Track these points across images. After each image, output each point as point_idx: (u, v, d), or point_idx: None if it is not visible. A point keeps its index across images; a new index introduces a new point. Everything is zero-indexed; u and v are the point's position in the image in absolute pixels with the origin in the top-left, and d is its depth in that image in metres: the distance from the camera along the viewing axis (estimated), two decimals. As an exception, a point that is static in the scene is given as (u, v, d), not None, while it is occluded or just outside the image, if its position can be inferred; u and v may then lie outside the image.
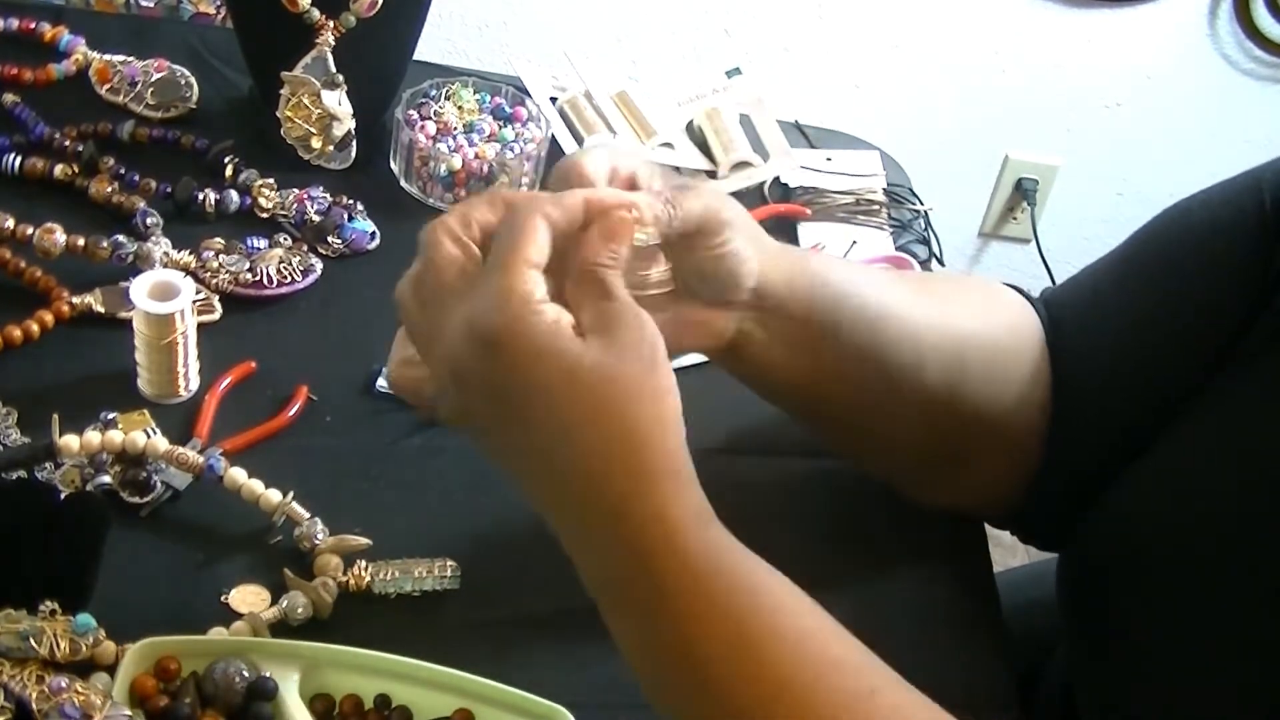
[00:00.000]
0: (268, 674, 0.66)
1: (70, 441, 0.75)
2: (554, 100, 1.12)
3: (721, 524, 0.57)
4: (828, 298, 0.69)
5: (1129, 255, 0.77)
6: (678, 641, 0.55)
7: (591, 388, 0.54)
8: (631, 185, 0.64)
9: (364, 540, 0.75)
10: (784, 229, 1.08)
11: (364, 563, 0.74)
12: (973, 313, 0.76)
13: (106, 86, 1.06)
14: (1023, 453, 0.76)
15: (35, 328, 0.85)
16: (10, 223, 0.90)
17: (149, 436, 0.77)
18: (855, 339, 0.70)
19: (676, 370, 0.58)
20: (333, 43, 1.00)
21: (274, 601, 0.72)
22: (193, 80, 1.07)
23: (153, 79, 1.06)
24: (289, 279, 0.92)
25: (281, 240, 0.95)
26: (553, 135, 1.08)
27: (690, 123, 1.13)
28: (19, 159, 0.97)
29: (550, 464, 0.56)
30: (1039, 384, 0.76)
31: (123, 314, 0.87)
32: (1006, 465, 0.77)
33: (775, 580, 0.56)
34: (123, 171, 0.99)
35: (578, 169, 0.62)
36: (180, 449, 0.77)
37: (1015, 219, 2.22)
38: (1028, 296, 0.80)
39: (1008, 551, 1.52)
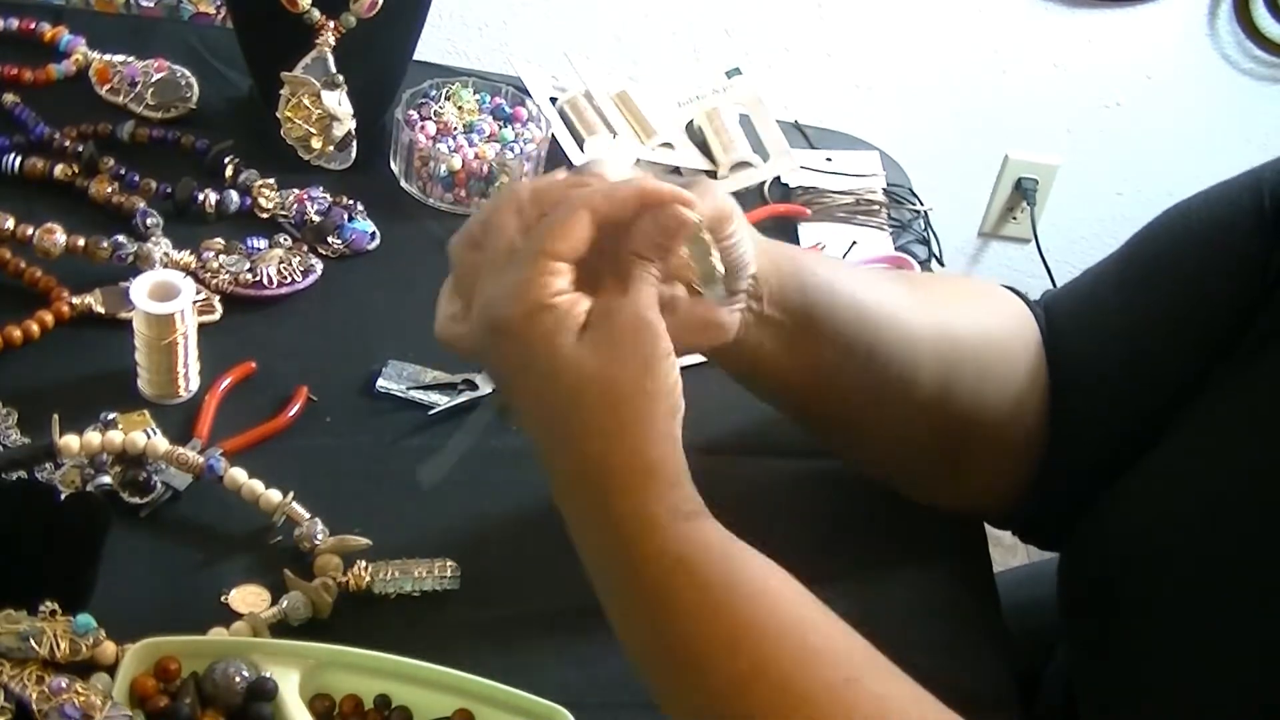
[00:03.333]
0: (268, 674, 0.66)
1: (70, 441, 0.75)
2: (554, 100, 1.12)
3: (712, 518, 0.58)
4: (821, 297, 0.69)
5: (1129, 255, 0.77)
6: (656, 629, 0.57)
7: (578, 387, 0.57)
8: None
9: (364, 540, 0.75)
10: (784, 229, 1.08)
11: (364, 563, 0.74)
12: (969, 314, 0.76)
13: (106, 86, 1.06)
14: (1020, 454, 0.76)
15: (35, 328, 0.85)
16: (10, 223, 0.90)
17: (149, 437, 0.77)
18: (849, 338, 0.70)
19: (677, 371, 0.58)
20: (333, 43, 1.00)
21: (274, 601, 0.72)
22: (193, 80, 1.07)
23: (153, 79, 1.06)
24: (289, 279, 0.92)
25: (281, 240, 0.95)
26: (553, 135, 1.08)
27: (690, 123, 1.13)
28: (19, 159, 0.97)
29: (550, 447, 0.59)
30: (1036, 386, 0.76)
31: (123, 314, 0.87)
32: (1004, 467, 0.77)
33: (760, 572, 0.57)
34: (123, 171, 0.99)
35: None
36: (180, 449, 0.77)
37: (1015, 219, 2.21)
38: (1026, 299, 0.80)
39: (1008, 551, 1.52)
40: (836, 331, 0.70)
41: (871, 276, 0.76)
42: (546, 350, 0.56)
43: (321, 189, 1.00)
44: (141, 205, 0.95)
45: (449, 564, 0.75)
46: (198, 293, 0.89)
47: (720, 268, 0.63)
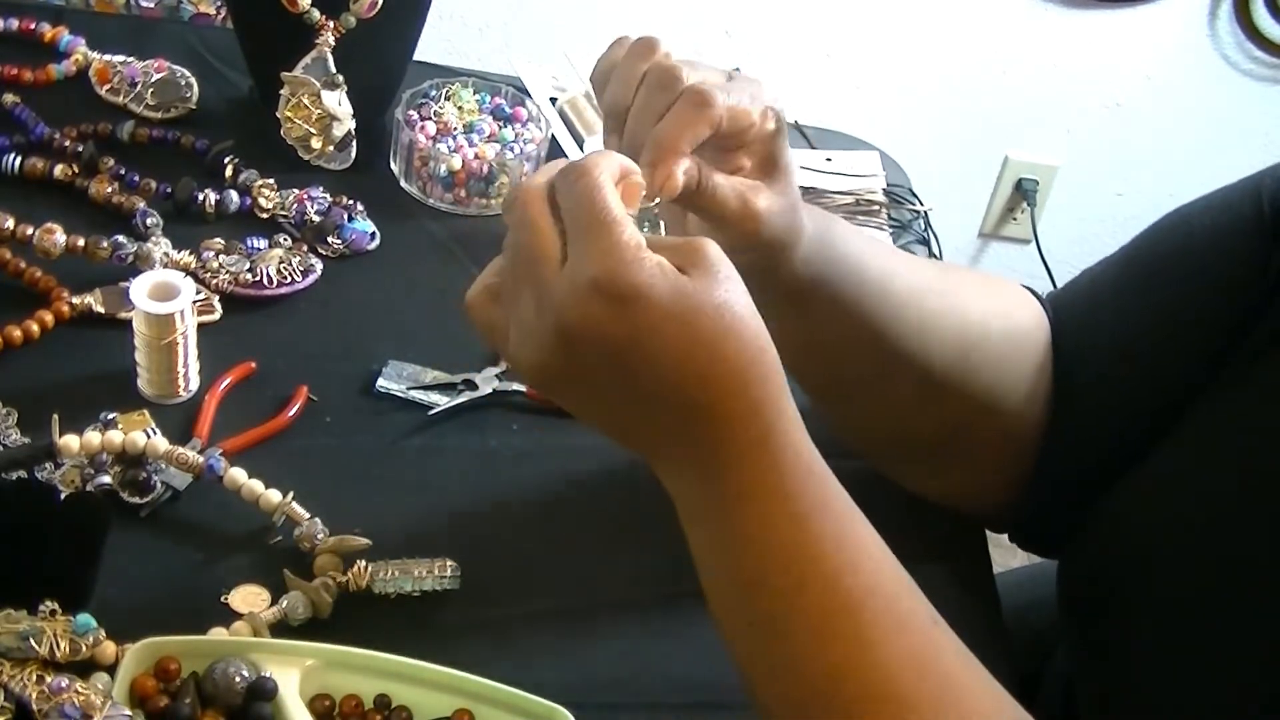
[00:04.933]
0: (268, 674, 0.66)
1: (70, 441, 0.75)
2: (554, 100, 1.12)
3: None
4: (849, 265, 0.70)
5: (1129, 259, 0.77)
6: (773, 546, 0.56)
7: (711, 320, 0.54)
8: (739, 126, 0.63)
9: (364, 540, 0.75)
10: (784, 229, 1.08)
11: (364, 563, 0.74)
12: (984, 302, 0.77)
13: (106, 87, 1.06)
14: (1021, 448, 0.76)
15: (35, 328, 0.85)
16: (10, 223, 0.90)
17: (149, 436, 0.77)
18: (869, 308, 0.71)
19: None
20: (333, 43, 1.00)
21: (274, 601, 0.72)
22: (193, 80, 1.07)
23: (153, 79, 1.06)
24: (289, 279, 0.92)
25: (281, 240, 0.95)
26: (553, 135, 1.08)
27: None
28: (19, 159, 0.97)
29: (663, 396, 0.55)
30: (1042, 384, 0.76)
31: (123, 314, 0.87)
32: (1004, 459, 0.77)
33: (854, 507, 0.59)
34: (123, 171, 0.99)
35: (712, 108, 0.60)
36: (180, 449, 0.77)
37: (1015, 219, 2.22)
38: (1041, 299, 0.80)
39: (1008, 552, 1.51)
40: (858, 300, 0.70)
41: (884, 248, 0.77)
42: (669, 292, 0.53)
43: (321, 189, 1.00)
44: (141, 205, 0.95)
45: (449, 564, 0.75)
46: (198, 293, 0.89)
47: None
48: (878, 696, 0.54)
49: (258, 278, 0.92)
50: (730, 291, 0.55)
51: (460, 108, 1.06)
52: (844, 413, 0.79)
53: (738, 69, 1.14)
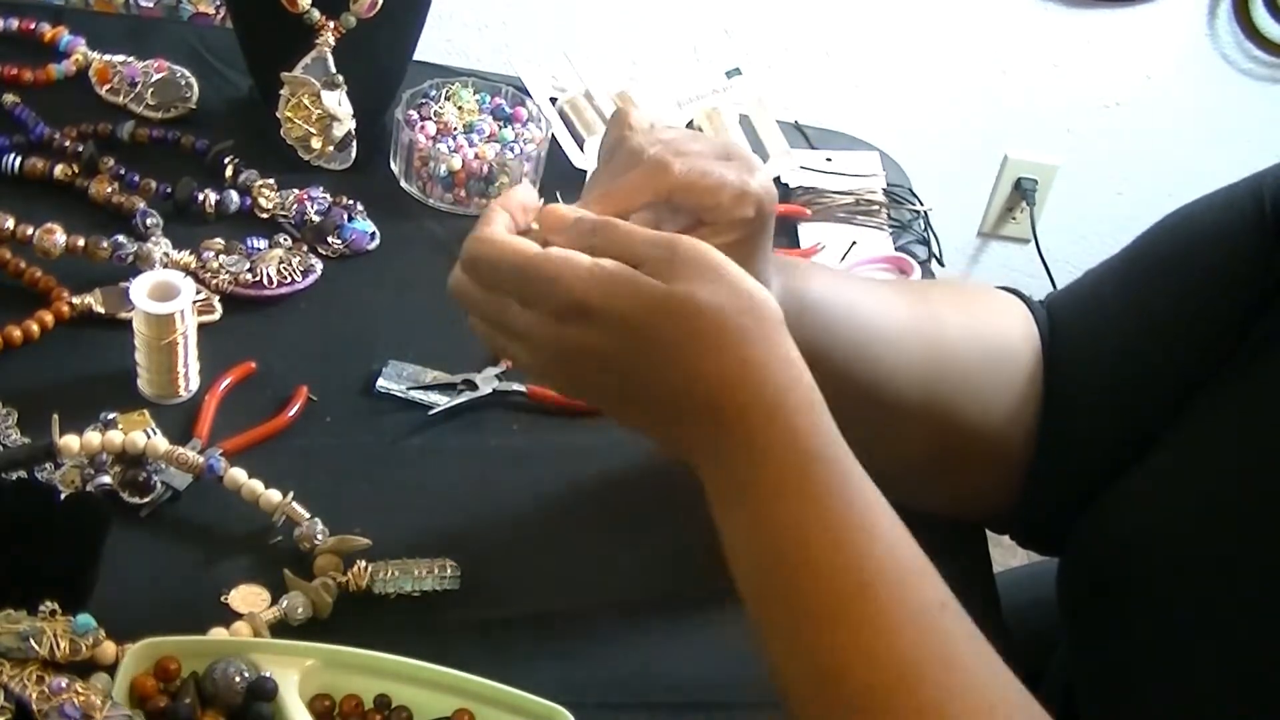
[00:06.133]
0: (268, 674, 0.66)
1: (70, 441, 0.75)
2: (554, 100, 1.12)
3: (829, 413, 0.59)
4: (810, 301, 0.71)
5: (1131, 259, 0.77)
6: (786, 525, 0.57)
7: (677, 320, 0.57)
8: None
9: (364, 540, 0.75)
10: (784, 229, 1.08)
11: (364, 563, 0.74)
12: (959, 323, 0.76)
13: (106, 87, 1.06)
14: (1013, 461, 0.76)
15: (35, 328, 0.85)
16: (10, 223, 0.90)
17: (149, 436, 0.77)
18: (832, 343, 0.71)
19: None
20: (333, 43, 1.00)
21: (274, 601, 0.72)
22: (193, 80, 1.07)
23: (153, 79, 1.06)
24: (289, 279, 0.92)
25: (281, 240, 0.95)
26: (553, 135, 1.08)
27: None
28: (19, 159, 0.97)
29: (653, 395, 0.58)
30: (1033, 390, 0.76)
31: (123, 314, 0.87)
32: (999, 471, 0.77)
33: (871, 484, 0.59)
34: (123, 171, 0.99)
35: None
36: (180, 449, 0.77)
37: (1015, 219, 2.22)
38: (1029, 302, 0.80)
39: (1008, 551, 1.51)
40: (823, 340, 0.70)
41: (864, 285, 0.78)
42: (648, 300, 0.56)
43: (321, 189, 1.00)
44: (141, 205, 0.95)
45: (449, 564, 0.75)
46: (198, 293, 0.89)
47: None
48: (882, 685, 0.55)
49: (258, 278, 0.92)
50: (703, 289, 0.56)
51: (460, 108, 1.06)
52: None
53: (737, 69, 1.14)
